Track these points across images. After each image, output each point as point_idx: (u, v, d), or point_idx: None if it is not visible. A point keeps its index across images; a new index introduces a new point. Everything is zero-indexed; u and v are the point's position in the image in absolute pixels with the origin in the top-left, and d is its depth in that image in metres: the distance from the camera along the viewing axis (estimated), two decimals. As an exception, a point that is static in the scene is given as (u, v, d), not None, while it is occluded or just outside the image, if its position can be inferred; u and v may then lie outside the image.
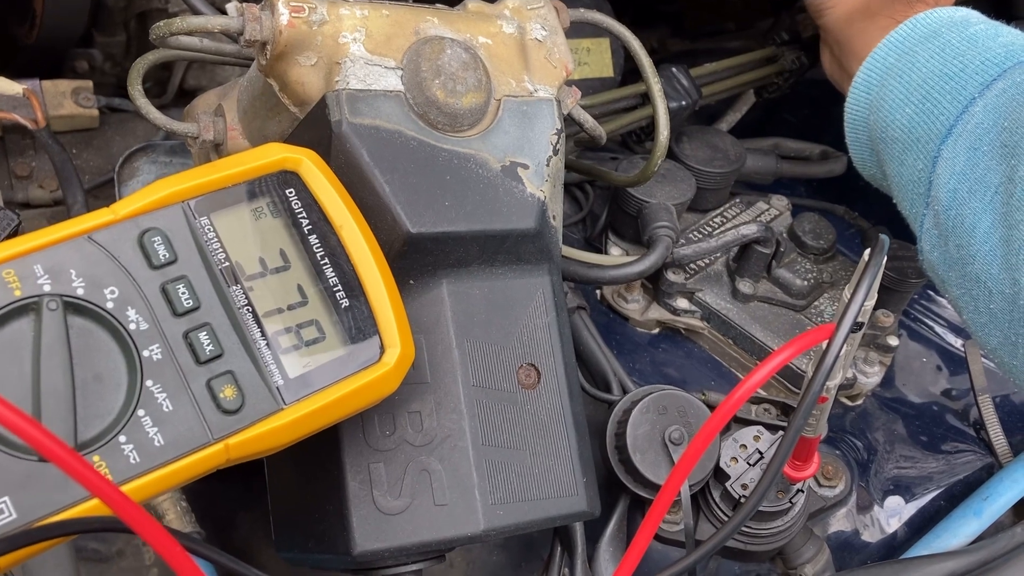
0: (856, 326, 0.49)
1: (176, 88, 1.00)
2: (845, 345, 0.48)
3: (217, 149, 0.64)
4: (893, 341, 0.79)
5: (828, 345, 0.44)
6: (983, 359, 0.82)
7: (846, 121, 0.69)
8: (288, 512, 0.60)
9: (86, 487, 0.35)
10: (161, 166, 0.80)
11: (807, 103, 1.01)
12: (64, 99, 0.91)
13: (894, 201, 0.67)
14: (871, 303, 0.49)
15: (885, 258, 0.46)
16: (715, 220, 0.85)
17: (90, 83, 0.92)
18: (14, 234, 0.74)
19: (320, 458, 0.54)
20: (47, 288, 0.42)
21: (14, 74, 0.88)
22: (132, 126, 0.95)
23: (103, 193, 0.90)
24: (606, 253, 0.83)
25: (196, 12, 0.72)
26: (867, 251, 0.49)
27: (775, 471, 0.48)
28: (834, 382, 0.49)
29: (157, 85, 1.00)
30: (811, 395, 0.44)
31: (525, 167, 0.57)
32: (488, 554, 0.71)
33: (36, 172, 0.89)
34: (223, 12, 0.77)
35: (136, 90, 0.62)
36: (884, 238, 0.46)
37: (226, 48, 0.62)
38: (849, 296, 0.46)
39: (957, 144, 0.58)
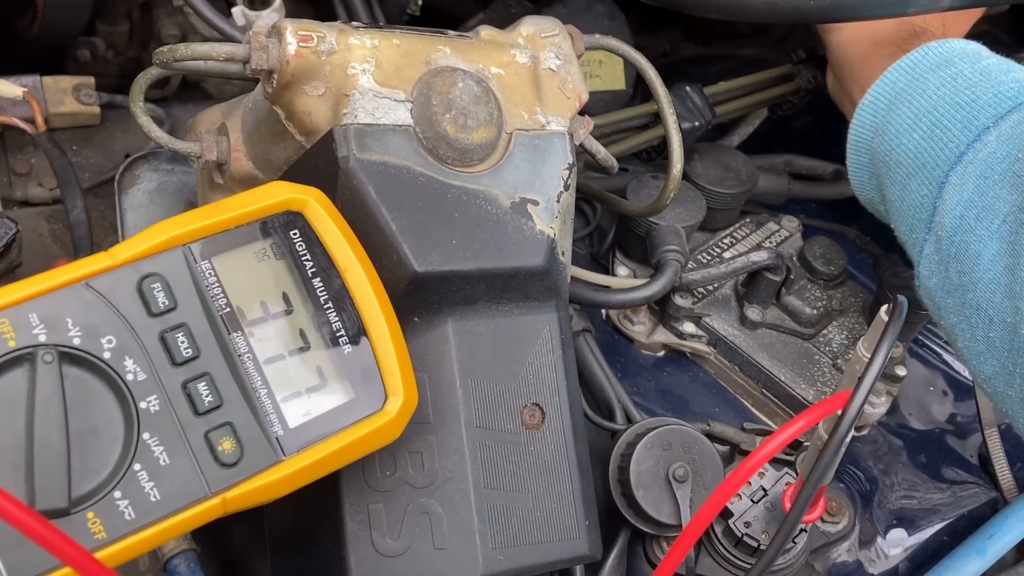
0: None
1: (179, 81, 0.98)
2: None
3: (220, 169, 0.63)
4: (901, 371, 0.78)
5: (843, 415, 0.43)
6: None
7: (849, 142, 0.68)
8: (285, 542, 0.59)
9: (58, 557, 0.34)
10: (162, 174, 0.79)
11: (819, 117, 0.99)
12: (65, 96, 0.90)
13: (892, 226, 0.66)
14: (887, 358, 0.48)
15: (903, 320, 0.45)
16: (724, 241, 0.84)
17: (92, 79, 0.90)
18: (12, 243, 0.72)
19: (319, 496, 0.53)
20: (42, 338, 0.41)
21: (15, 67, 0.87)
22: (134, 123, 0.92)
23: (103, 191, 0.88)
24: (613, 273, 0.81)
25: (201, 16, 0.70)
26: (883, 309, 0.48)
27: (790, 527, 0.47)
28: (847, 440, 0.48)
29: (160, 78, 0.99)
30: (827, 458, 0.43)
31: (535, 203, 0.55)
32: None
33: (35, 169, 0.88)
34: (230, 6, 0.76)
35: (138, 108, 0.60)
36: (903, 301, 0.45)
37: (231, 68, 0.61)
38: (868, 356, 0.45)
39: (967, 171, 0.58)
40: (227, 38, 0.71)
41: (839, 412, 0.44)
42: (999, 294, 0.54)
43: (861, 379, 0.43)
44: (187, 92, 1.02)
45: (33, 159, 0.87)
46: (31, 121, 0.78)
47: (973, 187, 0.56)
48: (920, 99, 0.62)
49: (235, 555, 0.73)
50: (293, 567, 0.58)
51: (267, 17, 0.83)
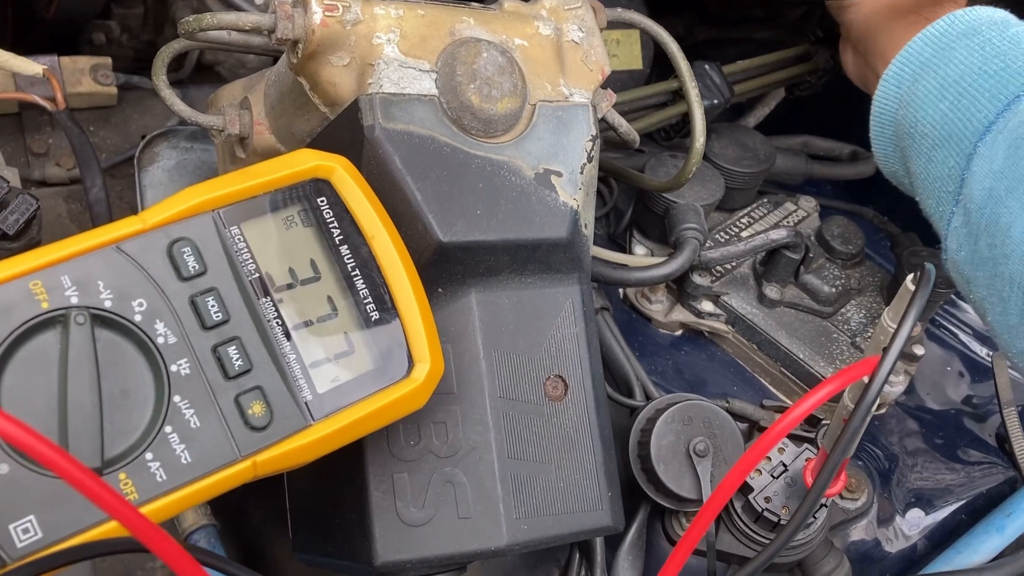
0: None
1: (194, 63, 0.98)
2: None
3: (242, 143, 0.63)
4: (919, 350, 0.78)
5: (870, 381, 0.43)
6: (1010, 370, 0.81)
7: (872, 115, 0.67)
8: (307, 514, 0.59)
9: (105, 510, 0.34)
10: (182, 151, 0.79)
11: (836, 98, 0.99)
12: (83, 76, 0.90)
13: (917, 199, 0.65)
14: (917, 327, 0.48)
15: (931, 288, 0.45)
16: (742, 220, 0.84)
17: (109, 60, 0.90)
18: (32, 219, 0.72)
19: (342, 465, 0.53)
20: (75, 300, 0.41)
21: (32, 48, 0.87)
22: (150, 104, 0.94)
23: (120, 172, 0.88)
24: (630, 252, 0.81)
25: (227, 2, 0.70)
26: (909, 278, 0.48)
27: (815, 499, 0.47)
28: (874, 407, 0.48)
29: (174, 59, 0.99)
30: (851, 429, 0.43)
31: (559, 175, 0.55)
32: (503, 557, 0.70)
33: (53, 149, 0.88)
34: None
35: (161, 80, 0.61)
36: (931, 268, 0.45)
37: (254, 40, 0.61)
38: (894, 327, 0.45)
39: (996, 141, 0.57)
40: (243, 11, 0.71)
41: (865, 380, 0.44)
42: None
43: (889, 345, 0.42)
44: (202, 74, 1.02)
45: (51, 139, 0.87)
46: (50, 99, 0.78)
47: (1003, 157, 0.55)
48: (946, 68, 0.61)
49: (253, 533, 0.74)
50: (316, 538, 0.58)
51: (285, -5, 0.83)
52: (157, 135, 0.79)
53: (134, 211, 0.86)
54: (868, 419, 0.48)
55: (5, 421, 0.32)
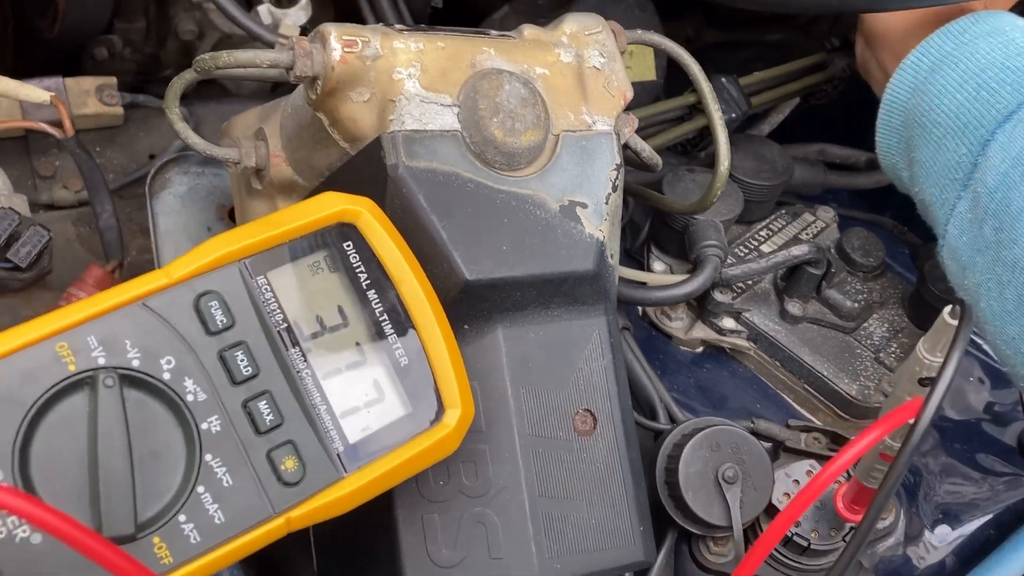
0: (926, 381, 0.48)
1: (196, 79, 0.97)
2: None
3: (259, 175, 0.62)
4: (942, 363, 0.77)
5: (915, 423, 0.42)
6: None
7: (884, 103, 0.67)
8: (335, 552, 0.58)
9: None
10: (193, 176, 0.78)
11: (851, 105, 0.98)
12: (88, 97, 0.89)
13: (913, 191, 0.65)
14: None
15: (972, 324, 0.44)
16: (761, 233, 0.83)
17: (114, 80, 0.89)
18: (44, 250, 0.72)
19: (371, 507, 0.52)
20: (102, 361, 0.40)
21: (34, 66, 0.85)
22: (156, 122, 0.92)
23: (129, 193, 0.87)
24: (649, 268, 0.81)
25: (225, 12, 0.69)
26: (947, 311, 0.47)
27: (862, 539, 0.46)
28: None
29: (180, 69, 0.98)
30: (900, 468, 0.42)
31: (584, 206, 0.55)
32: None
33: (60, 172, 0.87)
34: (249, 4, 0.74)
35: (175, 114, 0.59)
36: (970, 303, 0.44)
37: (269, 73, 0.60)
38: (929, 359, 0.44)
39: (1016, 129, 0.57)
40: (252, 36, 0.70)
41: (911, 421, 0.43)
42: None
43: (933, 387, 0.42)
44: (205, 88, 1.01)
45: (58, 161, 0.86)
46: (58, 125, 0.77)
47: (1022, 145, 0.56)
48: (968, 62, 0.62)
49: (278, 559, 0.73)
50: (343, 571, 0.58)
51: (294, 15, 0.82)
52: (168, 161, 0.78)
53: (145, 234, 0.85)
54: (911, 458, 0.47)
55: (21, 500, 0.32)
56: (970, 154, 0.59)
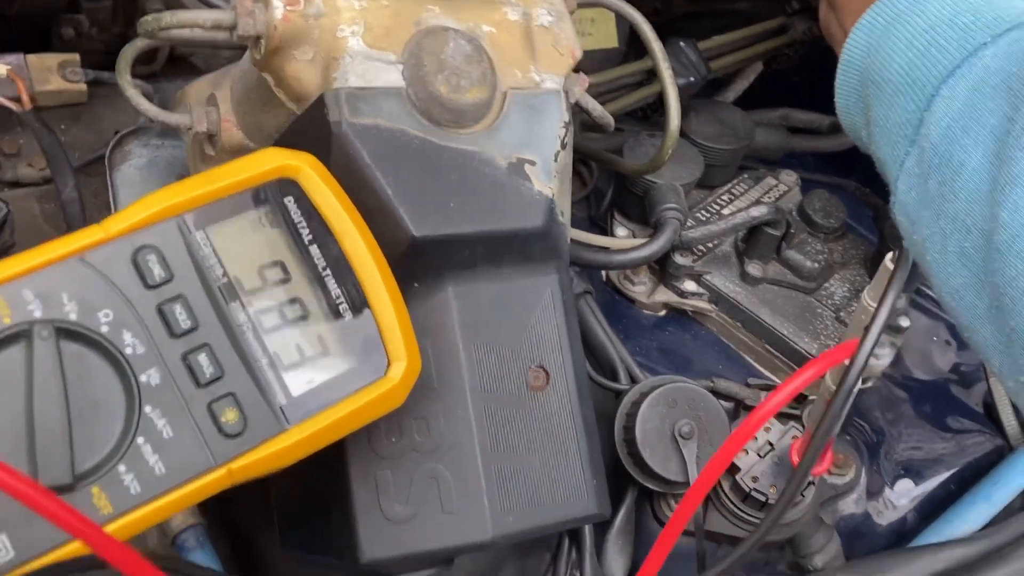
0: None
1: (166, 56, 0.97)
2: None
3: (211, 140, 0.62)
4: (904, 322, 0.78)
5: (850, 365, 0.43)
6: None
7: (841, 63, 0.68)
8: (293, 513, 0.59)
9: (67, 531, 0.33)
10: (153, 149, 0.78)
11: (815, 69, 0.98)
12: (51, 74, 0.88)
13: (871, 150, 0.66)
14: (896, 304, 0.48)
15: (909, 266, 0.44)
16: (723, 198, 0.83)
17: (77, 56, 0.89)
18: (3, 224, 0.72)
19: (325, 463, 0.53)
20: (38, 314, 0.40)
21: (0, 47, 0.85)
22: (122, 100, 0.91)
23: (95, 170, 0.87)
24: (612, 234, 0.81)
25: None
26: (888, 256, 0.47)
27: (800, 480, 0.47)
28: (855, 389, 0.48)
29: (147, 52, 0.97)
30: (836, 408, 0.43)
31: (532, 163, 0.55)
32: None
33: (24, 149, 0.87)
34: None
35: (126, 80, 0.59)
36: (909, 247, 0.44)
37: (219, 36, 0.59)
38: (874, 306, 0.44)
39: (958, 85, 0.58)
40: (212, 7, 0.70)
41: (846, 362, 0.44)
42: (978, 203, 0.54)
43: (868, 326, 0.42)
44: (175, 67, 1.01)
45: (22, 139, 0.86)
46: (16, 100, 0.77)
47: (963, 99, 0.56)
48: (919, 19, 0.62)
49: (245, 527, 0.74)
50: (302, 536, 0.58)
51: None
52: (127, 133, 0.78)
53: (109, 211, 0.85)
54: (851, 400, 0.48)
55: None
56: (917, 110, 0.60)
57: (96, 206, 0.85)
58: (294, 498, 0.58)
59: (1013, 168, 0.51)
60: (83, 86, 0.88)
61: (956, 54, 0.59)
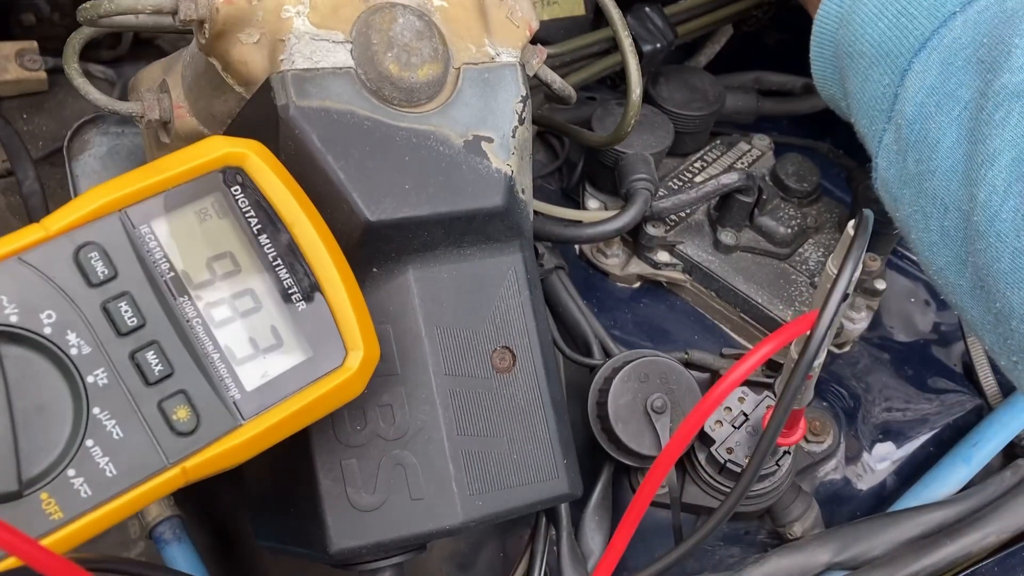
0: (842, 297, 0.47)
1: (131, 40, 0.95)
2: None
3: (165, 127, 0.61)
4: (880, 285, 0.77)
5: (810, 335, 0.42)
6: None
7: (813, 35, 0.66)
8: (263, 503, 0.58)
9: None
10: (112, 137, 0.76)
11: (787, 31, 0.97)
12: (8, 63, 0.87)
13: (852, 121, 0.65)
14: (857, 274, 0.47)
15: (870, 234, 0.43)
16: (695, 165, 0.82)
17: (35, 44, 0.87)
18: (-38, 219, 0.70)
19: (290, 455, 0.52)
20: (-23, 318, 0.39)
21: (-44, 35, 0.83)
22: (85, 87, 0.91)
23: (59, 160, 0.86)
24: (583, 206, 0.80)
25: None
26: (850, 224, 0.46)
27: (764, 451, 0.46)
28: (819, 361, 0.47)
29: (111, 36, 0.95)
30: (796, 380, 0.42)
31: (489, 140, 0.53)
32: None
33: (-15, 142, 0.85)
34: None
35: (73, 69, 0.58)
36: (869, 213, 0.43)
37: (166, 21, 0.58)
38: (834, 275, 0.43)
39: (930, 58, 0.56)
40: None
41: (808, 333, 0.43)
42: (955, 182, 0.53)
43: (827, 298, 0.41)
44: (141, 50, 0.99)
45: (-18, 132, 0.84)
46: (-31, 93, 0.76)
47: (936, 74, 0.55)
48: None
49: (224, 517, 0.73)
50: (274, 526, 0.57)
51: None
52: (85, 122, 0.76)
53: (74, 200, 0.84)
54: (816, 370, 0.47)
55: None
56: (892, 84, 0.58)
57: (62, 197, 0.84)
58: (264, 490, 0.58)
59: (988, 146, 0.50)
60: (43, 74, 0.86)
61: (927, 24, 0.57)
